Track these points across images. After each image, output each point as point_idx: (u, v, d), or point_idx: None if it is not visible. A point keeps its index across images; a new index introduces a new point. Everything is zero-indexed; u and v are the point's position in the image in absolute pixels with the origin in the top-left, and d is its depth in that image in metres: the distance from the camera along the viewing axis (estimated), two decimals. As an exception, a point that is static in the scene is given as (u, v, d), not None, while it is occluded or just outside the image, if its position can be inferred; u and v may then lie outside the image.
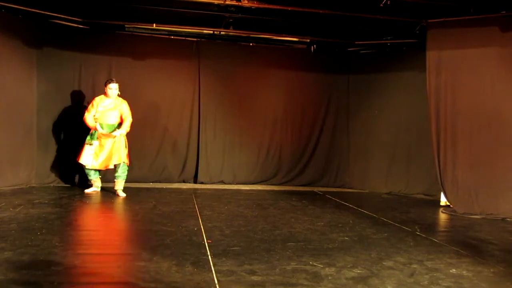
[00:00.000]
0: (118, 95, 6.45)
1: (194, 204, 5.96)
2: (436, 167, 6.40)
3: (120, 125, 6.43)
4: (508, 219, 5.65)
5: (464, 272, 3.48)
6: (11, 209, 5.08)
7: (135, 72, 7.52)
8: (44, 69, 7.02)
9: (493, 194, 5.92)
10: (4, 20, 6.45)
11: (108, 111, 6.39)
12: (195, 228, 4.54)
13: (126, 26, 7.59)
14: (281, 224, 4.96)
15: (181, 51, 7.85)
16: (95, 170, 6.39)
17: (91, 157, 6.27)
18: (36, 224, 4.41)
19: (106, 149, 6.30)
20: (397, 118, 7.77)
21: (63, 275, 3.09)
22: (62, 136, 7.14)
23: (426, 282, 3.22)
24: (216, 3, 6.33)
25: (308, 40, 8.23)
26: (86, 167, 6.31)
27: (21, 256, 3.40)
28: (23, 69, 6.80)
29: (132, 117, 6.49)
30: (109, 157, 6.30)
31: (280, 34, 8.05)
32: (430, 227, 5.31)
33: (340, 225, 5.04)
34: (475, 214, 5.86)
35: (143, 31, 7.72)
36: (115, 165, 6.32)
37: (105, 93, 6.43)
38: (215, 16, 7.09)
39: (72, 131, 6.99)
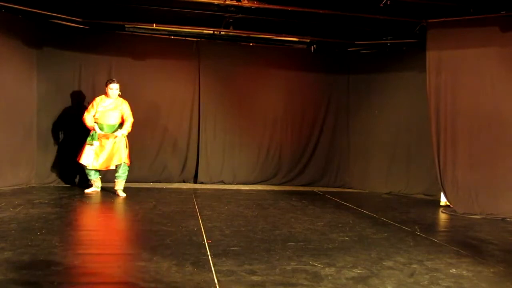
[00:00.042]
0: (118, 95, 6.46)
1: (194, 204, 5.95)
2: (436, 167, 6.40)
3: (121, 125, 6.43)
4: (508, 219, 5.65)
5: (464, 272, 3.48)
6: (11, 209, 5.08)
7: (135, 72, 7.52)
8: (44, 69, 7.02)
9: (493, 194, 5.92)
10: (4, 20, 6.45)
11: (109, 111, 6.38)
12: (195, 228, 4.54)
13: (126, 26, 7.59)
14: (281, 224, 4.96)
15: (181, 51, 7.85)
16: (96, 170, 6.39)
17: (92, 157, 6.27)
18: (36, 224, 4.41)
19: (107, 150, 6.30)
20: (397, 118, 7.77)
21: (63, 275, 3.09)
22: (62, 136, 7.14)
23: (426, 282, 3.22)
24: (216, 3, 6.33)
25: (308, 40, 8.23)
26: (88, 167, 6.31)
27: (21, 256, 3.40)
28: (23, 69, 6.80)
29: (133, 117, 6.50)
30: (110, 158, 6.30)
31: (280, 34, 8.05)
32: (430, 227, 5.31)
33: (340, 225, 5.04)
34: (475, 214, 5.86)
35: (143, 31, 7.72)
36: (116, 165, 6.33)
37: (105, 93, 6.43)
38: (215, 16, 7.09)
39: (72, 131, 6.99)
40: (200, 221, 4.88)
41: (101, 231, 4.78)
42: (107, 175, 6.79)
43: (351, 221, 5.25)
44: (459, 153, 6.21)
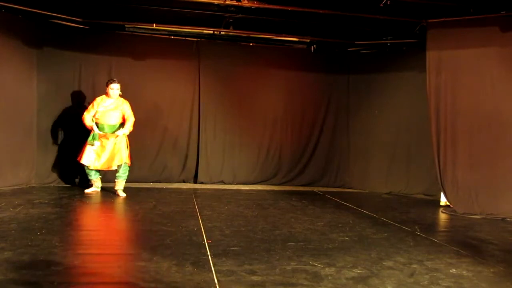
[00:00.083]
0: (119, 95, 6.45)
1: (194, 204, 5.96)
2: (436, 167, 6.40)
3: (122, 125, 6.43)
4: (508, 219, 5.65)
5: (464, 272, 3.48)
6: (11, 209, 5.08)
7: (135, 72, 7.52)
8: (44, 69, 7.02)
9: (493, 194, 5.92)
10: (4, 20, 6.45)
11: (109, 111, 6.38)
12: (195, 228, 4.54)
13: (126, 26, 7.59)
14: (281, 224, 4.96)
15: (181, 51, 7.85)
16: (96, 170, 6.39)
17: (93, 157, 6.27)
18: (36, 224, 4.41)
19: (108, 150, 6.29)
20: (397, 118, 7.77)
21: (63, 275, 3.09)
22: (62, 136, 7.14)
23: (426, 282, 3.22)
24: (216, 3, 6.34)
25: (308, 40, 8.24)
26: (89, 167, 6.31)
27: (21, 256, 3.40)
28: (23, 69, 6.80)
29: (134, 117, 6.50)
30: (111, 158, 6.29)
31: (280, 34, 8.06)
32: (430, 227, 5.31)
33: (340, 225, 5.04)
34: (475, 214, 5.86)
35: (143, 31, 7.72)
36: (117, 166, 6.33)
37: (106, 93, 6.43)
38: (215, 16, 7.09)
39: (72, 131, 6.99)
40: (200, 221, 4.88)
41: (101, 231, 4.79)
42: (107, 175, 6.79)
43: (351, 221, 5.25)
44: (459, 153, 6.21)
